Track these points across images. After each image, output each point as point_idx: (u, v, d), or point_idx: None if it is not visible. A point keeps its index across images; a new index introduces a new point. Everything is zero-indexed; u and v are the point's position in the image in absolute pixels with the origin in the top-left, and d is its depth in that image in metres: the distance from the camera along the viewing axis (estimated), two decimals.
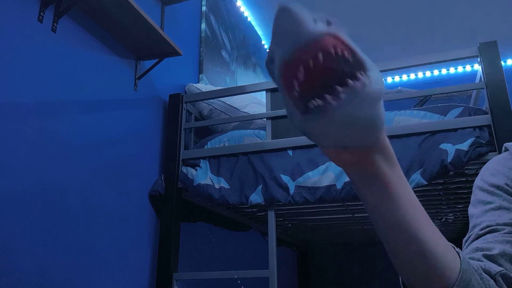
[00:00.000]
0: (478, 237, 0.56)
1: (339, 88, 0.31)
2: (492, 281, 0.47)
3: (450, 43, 3.80)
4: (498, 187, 0.59)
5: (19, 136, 1.31)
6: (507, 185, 0.59)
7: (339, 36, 0.32)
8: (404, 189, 0.42)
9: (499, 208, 0.57)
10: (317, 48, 0.31)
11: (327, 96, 0.31)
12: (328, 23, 0.33)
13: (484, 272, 0.48)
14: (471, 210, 0.61)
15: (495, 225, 0.55)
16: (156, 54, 1.97)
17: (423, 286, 0.43)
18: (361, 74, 0.32)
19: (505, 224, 0.55)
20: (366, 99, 0.31)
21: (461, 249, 0.50)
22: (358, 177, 0.42)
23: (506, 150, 0.64)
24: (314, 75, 0.32)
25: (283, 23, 0.31)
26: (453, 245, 0.46)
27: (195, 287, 2.17)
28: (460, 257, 0.44)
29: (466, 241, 0.58)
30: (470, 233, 0.57)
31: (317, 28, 0.31)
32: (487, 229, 0.55)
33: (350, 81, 0.31)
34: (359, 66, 0.33)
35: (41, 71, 1.43)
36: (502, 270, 0.49)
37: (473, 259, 0.51)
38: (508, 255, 0.51)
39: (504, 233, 0.54)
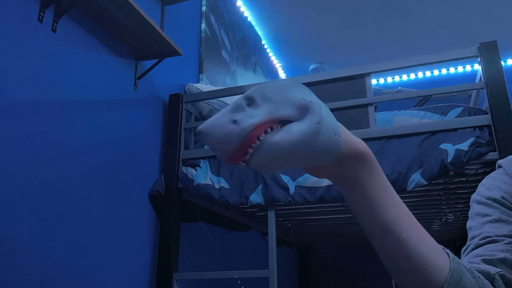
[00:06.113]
0: (477, 246, 0.56)
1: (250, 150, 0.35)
2: (486, 281, 0.47)
3: (450, 43, 3.80)
4: (495, 200, 0.60)
5: (19, 136, 1.31)
6: (503, 198, 0.60)
7: (256, 125, 0.35)
8: (384, 192, 0.44)
9: (497, 220, 0.58)
10: (242, 148, 0.35)
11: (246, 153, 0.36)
12: (250, 103, 0.36)
13: (483, 274, 0.48)
14: (469, 223, 0.62)
15: (495, 236, 0.56)
16: (156, 54, 1.97)
17: (413, 286, 0.44)
18: (277, 127, 0.36)
19: (504, 236, 0.56)
20: (272, 150, 0.35)
21: (459, 256, 0.51)
22: (340, 184, 0.45)
23: (500, 167, 0.65)
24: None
25: (210, 144, 0.36)
26: (443, 247, 0.46)
27: (195, 287, 2.17)
28: (449, 257, 0.45)
29: (465, 250, 0.58)
30: (469, 243, 0.58)
31: (235, 139, 0.35)
32: (487, 240, 0.56)
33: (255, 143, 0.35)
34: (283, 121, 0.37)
35: (41, 71, 1.43)
36: (501, 271, 0.49)
37: (472, 263, 0.51)
38: (509, 261, 0.52)
39: (505, 244, 0.55)
